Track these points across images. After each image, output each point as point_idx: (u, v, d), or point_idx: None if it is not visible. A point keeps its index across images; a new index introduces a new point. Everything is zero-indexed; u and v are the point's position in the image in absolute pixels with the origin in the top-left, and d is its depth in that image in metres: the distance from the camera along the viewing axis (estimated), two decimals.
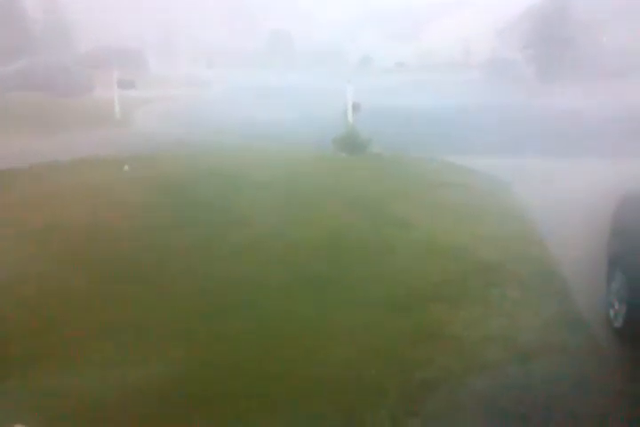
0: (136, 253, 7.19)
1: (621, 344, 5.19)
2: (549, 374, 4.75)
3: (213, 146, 14.82)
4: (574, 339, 5.25)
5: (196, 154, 13.62)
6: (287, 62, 56.29)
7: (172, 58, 57.73)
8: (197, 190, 9.87)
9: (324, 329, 5.41)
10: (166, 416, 4.21)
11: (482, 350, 5.04)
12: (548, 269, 6.80)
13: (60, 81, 26.96)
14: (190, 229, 8.00)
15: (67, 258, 7.06)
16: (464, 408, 4.33)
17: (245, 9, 67.73)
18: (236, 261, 6.94)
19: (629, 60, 38.09)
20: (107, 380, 4.58)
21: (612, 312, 5.49)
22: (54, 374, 4.68)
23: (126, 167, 11.59)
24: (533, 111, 22.83)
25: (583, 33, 40.22)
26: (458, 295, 6.07)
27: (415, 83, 37.57)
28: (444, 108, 24.19)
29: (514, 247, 7.50)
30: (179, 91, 32.96)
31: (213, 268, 6.77)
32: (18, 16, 39.90)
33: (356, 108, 14.49)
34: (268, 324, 5.49)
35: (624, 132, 15.83)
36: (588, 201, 8.91)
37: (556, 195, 9.86)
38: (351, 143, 13.60)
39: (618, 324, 5.31)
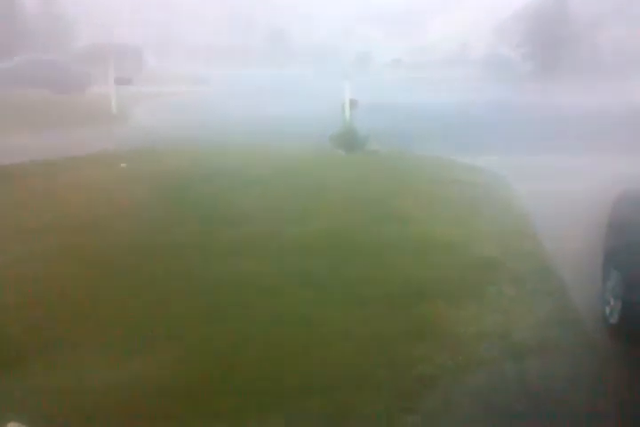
0: (133, 250, 7.19)
1: (617, 341, 5.21)
2: (545, 370, 4.76)
3: (210, 143, 14.80)
4: (570, 336, 5.26)
5: (193, 151, 13.62)
6: (284, 59, 56.25)
7: (171, 55, 57.62)
8: (194, 187, 9.88)
9: (321, 327, 5.41)
10: (165, 414, 4.21)
11: (478, 346, 5.06)
12: (546, 266, 6.82)
13: (56, 77, 26.88)
14: (187, 227, 8.01)
15: (63, 255, 7.06)
16: (460, 405, 4.34)
17: (244, 6, 67.64)
18: (234, 259, 6.94)
19: (626, 58, 38.13)
20: (102, 378, 4.58)
21: (607, 309, 5.50)
22: (49, 371, 4.68)
23: (123, 164, 11.58)
24: (531, 108, 22.83)
25: (580, 31, 40.25)
26: (456, 292, 6.08)
27: (412, 80, 37.57)
28: (441, 105, 24.18)
29: (512, 244, 7.52)
30: (176, 88, 32.89)
31: (211, 265, 6.77)
32: (15, 12, 39.80)
33: (352, 105, 14.48)
34: (266, 322, 5.50)
35: (622, 129, 15.85)
36: (585, 198, 8.93)
37: (554, 192, 9.87)
38: (349, 140, 13.60)
39: (613, 320, 5.32)
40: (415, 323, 5.45)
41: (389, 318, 5.53)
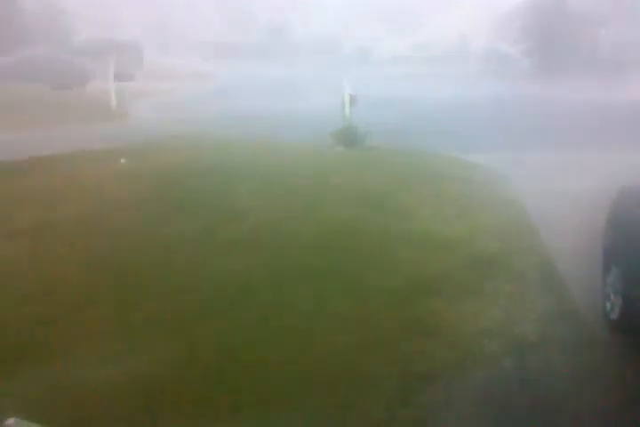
0: (132, 246, 7.19)
1: (618, 336, 5.20)
2: (546, 366, 4.76)
3: (210, 138, 14.78)
4: (571, 331, 5.26)
5: (192, 146, 13.58)
6: (285, 54, 56.10)
7: (170, 50, 57.48)
8: (194, 183, 9.86)
9: (322, 322, 5.41)
10: (163, 410, 4.22)
11: (479, 342, 5.05)
12: (546, 262, 6.82)
13: (56, 73, 26.81)
14: (187, 222, 7.99)
15: (61, 251, 7.05)
16: (461, 401, 4.34)
17: (244, 1, 67.45)
18: (235, 254, 6.93)
19: (626, 54, 38.05)
20: (101, 374, 4.58)
21: (608, 304, 5.50)
22: (48, 368, 4.68)
23: (123, 160, 11.57)
24: (531, 104, 22.79)
25: (580, 27, 40.14)
26: (456, 288, 6.08)
27: (413, 75, 37.51)
28: (441, 101, 24.14)
29: (513, 240, 7.51)
30: (176, 83, 32.84)
31: (211, 261, 6.77)
32: (16, 8, 39.68)
33: (353, 100, 14.44)
34: (267, 316, 5.50)
35: (622, 126, 15.83)
36: (585, 194, 8.92)
37: (555, 188, 9.86)
38: (348, 136, 13.56)
39: (614, 316, 5.32)
40: (415, 318, 5.45)
41: (390, 314, 5.53)
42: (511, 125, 17.60)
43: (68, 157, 12.15)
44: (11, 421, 3.26)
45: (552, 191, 9.67)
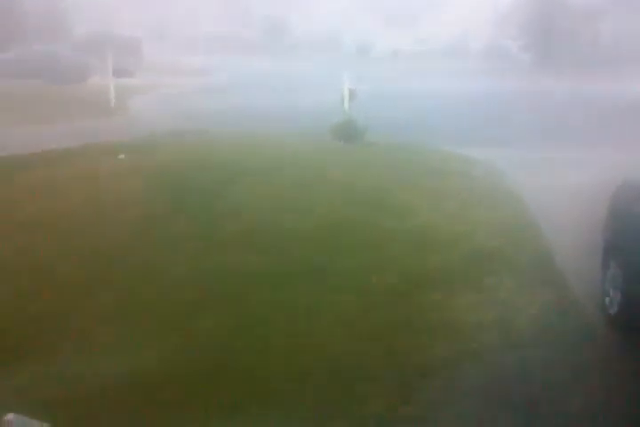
0: (131, 241, 7.18)
1: (617, 331, 5.21)
2: (545, 360, 4.76)
3: (209, 134, 14.76)
4: (570, 326, 5.27)
5: (192, 142, 13.56)
6: (284, 50, 55.98)
7: (169, 46, 57.34)
8: (194, 179, 9.84)
9: (321, 317, 5.41)
10: (163, 404, 4.22)
11: (479, 337, 5.06)
12: (546, 257, 6.82)
13: (55, 68, 26.75)
14: (186, 218, 7.99)
15: (61, 246, 7.05)
16: (460, 395, 4.34)
17: None
18: (233, 250, 6.93)
19: (627, 50, 37.98)
20: (100, 368, 4.59)
21: (607, 299, 5.51)
22: (47, 363, 4.68)
23: (122, 156, 11.55)
24: (531, 100, 22.75)
25: (580, 21, 40.06)
26: (456, 282, 6.08)
27: (413, 70, 37.43)
28: (441, 96, 24.10)
29: (512, 235, 7.51)
30: (175, 78, 32.77)
31: (210, 256, 6.77)
32: (14, 3, 39.55)
33: (352, 95, 14.40)
34: (265, 313, 5.50)
35: (621, 120, 15.81)
36: (585, 189, 8.91)
37: (554, 183, 9.85)
38: (348, 131, 13.53)
39: (613, 311, 5.33)
40: (415, 313, 5.45)
41: (389, 308, 5.54)
42: (510, 120, 17.58)
43: (67, 153, 12.13)
44: (10, 416, 3.26)
45: (551, 186, 9.66)
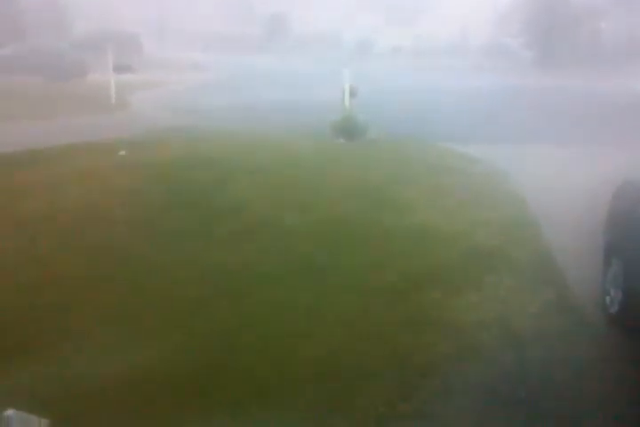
0: (131, 238, 7.18)
1: (617, 330, 5.20)
2: (545, 359, 4.76)
3: (210, 131, 14.74)
4: (570, 324, 5.26)
5: (193, 139, 13.55)
6: (284, 47, 55.90)
7: (169, 42, 57.27)
8: (194, 175, 9.83)
9: (321, 315, 5.41)
10: (162, 402, 4.21)
11: (478, 335, 5.05)
12: (546, 255, 6.81)
13: (55, 65, 26.73)
14: (186, 215, 7.98)
15: (61, 243, 7.04)
16: (460, 394, 4.34)
17: None
18: (233, 248, 6.93)
19: (628, 47, 37.94)
20: (101, 366, 4.58)
21: (607, 298, 5.50)
22: (48, 359, 4.68)
23: (122, 152, 11.54)
24: (532, 97, 22.74)
25: (581, 19, 40.02)
26: (455, 281, 6.07)
27: (413, 67, 37.41)
28: (441, 93, 24.08)
29: (512, 233, 7.50)
30: (176, 75, 32.74)
31: (209, 254, 6.76)
32: None
33: (353, 92, 14.37)
34: (265, 310, 5.49)
35: (623, 119, 15.79)
36: (586, 188, 8.90)
37: (554, 182, 9.84)
38: (349, 128, 13.51)
39: (614, 310, 5.32)
40: (415, 311, 5.44)
41: (389, 307, 5.53)
42: (511, 118, 17.56)
43: (68, 149, 12.11)
44: (9, 412, 3.25)
45: (551, 184, 9.65)
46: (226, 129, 15.24)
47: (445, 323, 5.25)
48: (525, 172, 10.56)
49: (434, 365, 4.63)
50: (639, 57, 33.40)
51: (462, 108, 19.45)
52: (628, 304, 5.08)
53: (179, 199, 8.60)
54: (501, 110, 19.26)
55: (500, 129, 15.59)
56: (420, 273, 6.24)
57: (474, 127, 15.73)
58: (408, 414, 4.12)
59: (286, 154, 11.80)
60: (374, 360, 4.69)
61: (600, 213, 6.60)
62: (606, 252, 5.91)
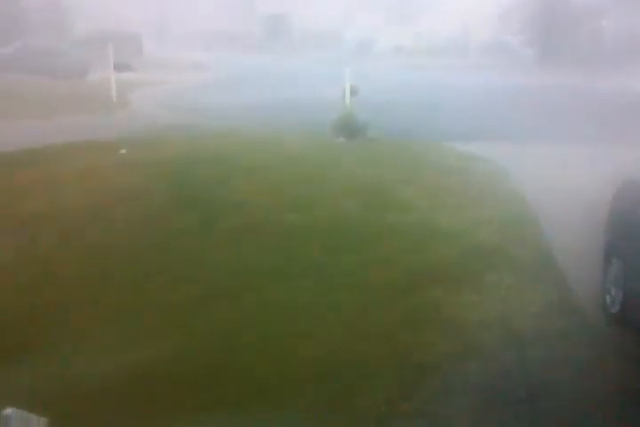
0: (131, 237, 7.17)
1: (618, 330, 5.19)
2: (546, 359, 4.75)
3: (211, 130, 14.73)
4: (571, 324, 5.25)
5: (193, 137, 13.55)
6: (285, 46, 55.88)
7: (169, 41, 57.25)
8: (194, 174, 9.83)
9: (321, 314, 5.40)
10: (162, 401, 4.21)
11: (479, 334, 5.04)
12: (546, 255, 6.79)
13: (55, 63, 26.72)
14: (186, 214, 7.97)
15: (62, 243, 7.04)
16: (460, 392, 4.33)
17: None
18: (233, 247, 6.92)
19: (630, 46, 37.90)
20: (102, 365, 4.58)
21: (608, 298, 5.49)
22: (47, 358, 4.67)
23: (123, 150, 11.54)
24: (532, 96, 22.73)
25: (583, 17, 40.00)
26: (456, 279, 6.06)
27: (414, 67, 37.38)
28: (443, 93, 24.07)
29: (513, 232, 7.49)
30: (176, 74, 32.73)
31: (210, 253, 6.75)
32: None
33: (353, 91, 14.36)
34: (266, 309, 5.49)
35: (623, 118, 15.78)
36: (586, 187, 8.89)
37: (555, 181, 9.82)
38: (349, 127, 13.50)
39: (614, 309, 5.31)
40: (415, 310, 5.44)
41: (390, 305, 5.52)
42: (512, 116, 17.55)
43: (68, 148, 12.10)
44: (9, 411, 3.25)
45: (552, 183, 9.64)
46: (226, 128, 15.24)
47: (446, 322, 5.24)
48: (526, 170, 10.54)
49: (434, 364, 4.62)
50: (639, 55, 33.35)
51: (463, 107, 19.44)
52: (628, 304, 5.06)
53: (179, 198, 8.59)
54: (502, 109, 19.25)
55: (500, 127, 15.58)
56: (420, 272, 6.23)
57: (474, 126, 15.72)
58: (409, 413, 4.11)
59: (287, 152, 11.79)
60: (375, 359, 4.68)
61: (601, 212, 6.59)
62: (607, 251, 5.90)
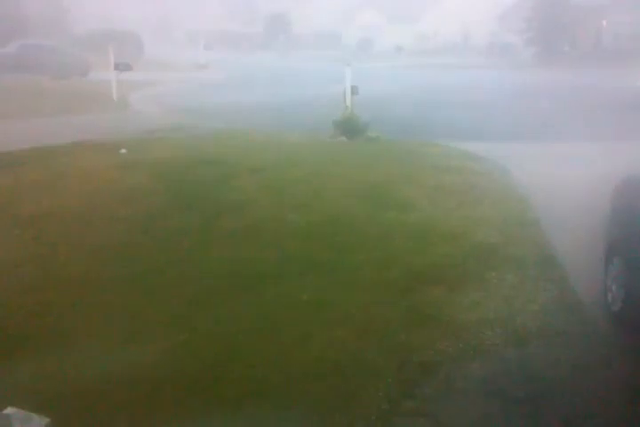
0: (132, 236, 7.17)
1: (619, 328, 5.19)
2: (547, 357, 4.75)
3: (211, 130, 14.74)
4: (572, 322, 5.25)
5: (193, 137, 13.56)
6: (286, 45, 55.92)
7: (170, 41, 57.31)
8: (195, 174, 9.83)
9: (322, 312, 5.40)
10: (162, 400, 4.21)
11: (480, 333, 5.04)
12: (547, 253, 6.79)
13: (55, 63, 26.72)
14: (187, 213, 7.97)
15: (63, 242, 7.04)
16: (461, 391, 4.33)
17: None
18: (234, 246, 6.91)
19: (629, 44, 37.89)
20: (103, 363, 4.58)
21: (609, 296, 5.48)
22: (49, 356, 4.67)
23: (124, 150, 11.55)
24: (533, 95, 22.72)
25: (583, 16, 40.01)
26: (457, 278, 6.06)
27: (414, 66, 37.38)
28: (442, 92, 24.07)
29: (513, 231, 7.48)
30: (177, 73, 32.75)
31: (211, 252, 6.75)
32: None
33: (354, 91, 14.37)
34: (266, 308, 5.48)
35: (624, 116, 15.78)
36: (587, 185, 8.89)
37: (555, 179, 9.82)
38: (350, 127, 13.51)
39: (616, 308, 5.30)
40: (416, 309, 5.43)
41: (391, 304, 5.52)
42: (513, 115, 17.54)
43: (69, 147, 12.11)
44: (10, 410, 3.26)
45: (553, 181, 9.63)
46: (227, 127, 15.24)
47: (447, 320, 5.24)
48: (526, 169, 10.54)
49: (436, 362, 4.62)
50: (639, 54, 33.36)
51: (463, 106, 19.44)
52: (630, 302, 5.06)
53: (179, 198, 8.60)
54: (502, 108, 19.26)
55: (500, 127, 15.59)
56: (421, 271, 6.22)
57: (474, 125, 15.73)
58: (410, 411, 4.11)
59: (287, 152, 11.79)
60: (376, 357, 4.68)
61: (601, 209, 6.59)
62: (608, 249, 5.90)
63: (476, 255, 6.66)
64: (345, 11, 63.06)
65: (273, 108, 19.65)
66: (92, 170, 10.09)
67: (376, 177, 9.85)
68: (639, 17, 39.27)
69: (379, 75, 29.18)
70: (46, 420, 3.32)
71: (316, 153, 11.92)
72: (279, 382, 4.38)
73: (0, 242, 7.06)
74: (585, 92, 22.86)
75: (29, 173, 9.98)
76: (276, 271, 6.20)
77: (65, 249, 6.82)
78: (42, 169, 10.27)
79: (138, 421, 4.00)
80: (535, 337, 5.01)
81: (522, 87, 25.77)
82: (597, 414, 4.14)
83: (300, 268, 6.29)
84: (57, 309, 5.45)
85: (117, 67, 20.50)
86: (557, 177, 9.95)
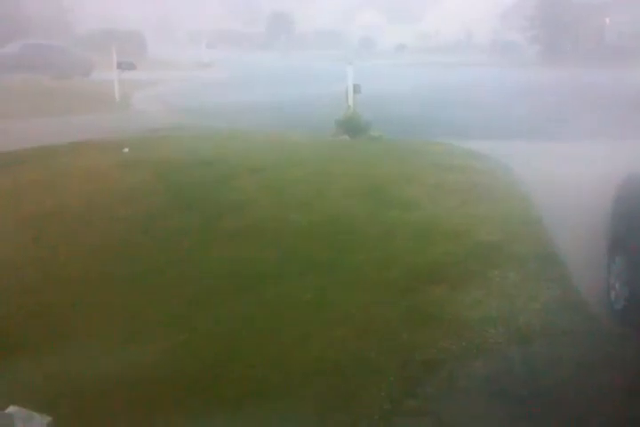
0: (133, 236, 7.17)
1: (622, 326, 5.17)
2: (550, 356, 4.73)
3: (213, 129, 14.74)
4: (575, 321, 5.23)
5: (196, 136, 13.55)
6: (288, 44, 55.91)
7: (172, 40, 57.37)
8: (197, 173, 9.83)
9: (323, 312, 5.39)
10: (163, 400, 4.21)
11: (482, 331, 5.03)
12: (550, 251, 6.77)
13: (58, 63, 26.77)
14: (188, 213, 7.97)
15: (64, 241, 7.04)
16: (464, 390, 4.32)
17: None
18: (234, 246, 6.91)
19: (632, 42, 37.82)
20: (103, 363, 4.58)
21: (613, 294, 5.46)
22: (50, 356, 4.68)
23: (126, 149, 11.55)
24: (536, 93, 22.68)
25: (586, 15, 39.95)
26: (459, 277, 6.04)
27: (416, 65, 37.35)
28: (445, 91, 24.05)
29: (516, 229, 7.46)
30: (179, 73, 32.77)
31: (211, 252, 6.75)
32: None
33: (356, 89, 14.36)
34: (267, 308, 5.48)
35: (628, 114, 15.73)
36: (589, 183, 8.86)
37: (558, 178, 9.79)
38: (352, 126, 13.50)
39: (619, 306, 5.28)
40: (418, 307, 5.42)
41: (393, 303, 5.51)
42: (515, 113, 17.51)
43: (71, 147, 12.12)
44: (12, 409, 3.26)
45: (555, 179, 9.61)
46: (229, 126, 15.24)
47: (449, 319, 5.23)
48: (529, 167, 10.51)
49: (438, 361, 4.61)
50: None
51: (465, 105, 19.41)
52: (633, 300, 5.04)
53: (181, 197, 8.59)
54: (504, 106, 19.23)
55: (502, 125, 15.56)
56: (423, 270, 6.21)
57: (477, 124, 15.70)
58: (412, 410, 4.10)
59: (289, 151, 11.78)
60: (378, 357, 4.67)
61: (604, 207, 6.56)
62: (611, 247, 5.88)
63: (478, 253, 6.65)
64: (346, 10, 63.05)
65: (275, 107, 19.64)
66: (93, 169, 10.09)
67: (378, 176, 9.83)
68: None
69: (381, 73, 29.16)
70: (48, 419, 3.32)
71: (318, 152, 11.90)
72: (279, 382, 4.37)
73: (0, 242, 7.07)
74: (589, 90, 22.82)
75: (30, 173, 9.99)
76: (277, 271, 6.19)
77: (65, 249, 6.82)
78: (42, 168, 10.28)
79: (138, 420, 4.00)
80: (538, 335, 4.99)
81: (525, 85, 25.72)
82: (601, 413, 4.13)
83: (300, 268, 6.28)
84: (57, 309, 5.45)
85: (121, 66, 20.53)
86: (561, 175, 9.92)
